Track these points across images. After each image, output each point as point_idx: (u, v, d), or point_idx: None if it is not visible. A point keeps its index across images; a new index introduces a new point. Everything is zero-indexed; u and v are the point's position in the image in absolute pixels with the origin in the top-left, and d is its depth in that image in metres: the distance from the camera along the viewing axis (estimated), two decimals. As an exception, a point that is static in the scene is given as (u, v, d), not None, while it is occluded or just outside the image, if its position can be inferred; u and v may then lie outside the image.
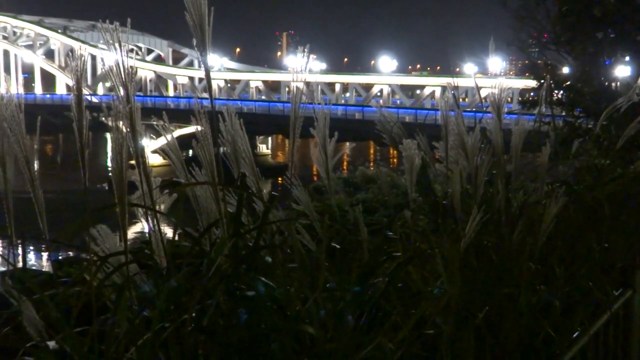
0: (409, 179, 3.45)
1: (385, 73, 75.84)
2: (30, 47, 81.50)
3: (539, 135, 4.86)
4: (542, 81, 13.39)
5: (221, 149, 3.04)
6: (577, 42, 15.09)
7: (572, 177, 4.82)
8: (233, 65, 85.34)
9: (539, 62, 19.20)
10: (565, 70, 17.60)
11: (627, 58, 15.80)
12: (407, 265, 3.00)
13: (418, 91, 69.11)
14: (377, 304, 2.73)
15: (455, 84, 4.30)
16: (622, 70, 16.14)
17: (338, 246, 3.19)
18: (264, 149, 69.95)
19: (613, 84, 15.97)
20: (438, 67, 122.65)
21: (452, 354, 2.48)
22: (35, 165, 2.74)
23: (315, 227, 3.25)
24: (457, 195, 3.36)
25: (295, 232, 3.13)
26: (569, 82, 15.73)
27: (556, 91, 15.05)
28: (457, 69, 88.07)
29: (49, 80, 78.95)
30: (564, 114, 13.39)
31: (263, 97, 71.45)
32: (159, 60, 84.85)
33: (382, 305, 2.77)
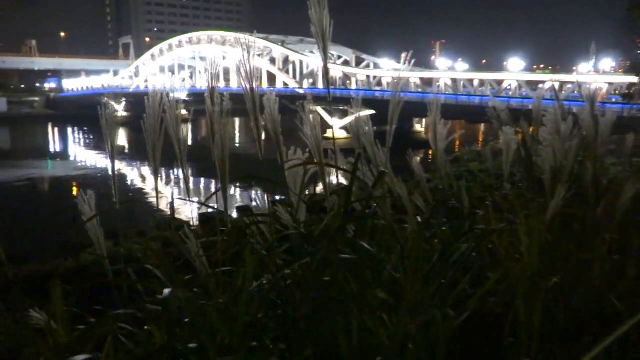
0: (505, 158, 3.18)
1: (514, 71, 70.69)
2: (259, 55, 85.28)
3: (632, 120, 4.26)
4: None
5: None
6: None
7: None
8: (399, 66, 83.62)
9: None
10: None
11: None
12: (489, 237, 2.67)
13: (540, 85, 63.90)
14: (464, 263, 2.45)
15: (564, 80, 3.90)
16: None
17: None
18: (418, 127, 68.36)
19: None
20: (558, 67, 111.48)
21: (525, 308, 2.25)
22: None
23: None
24: (547, 171, 2.83)
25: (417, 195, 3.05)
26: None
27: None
28: (574, 68, 79.64)
29: (271, 78, 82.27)
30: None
31: (419, 90, 69.79)
32: (345, 63, 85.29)
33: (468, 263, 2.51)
